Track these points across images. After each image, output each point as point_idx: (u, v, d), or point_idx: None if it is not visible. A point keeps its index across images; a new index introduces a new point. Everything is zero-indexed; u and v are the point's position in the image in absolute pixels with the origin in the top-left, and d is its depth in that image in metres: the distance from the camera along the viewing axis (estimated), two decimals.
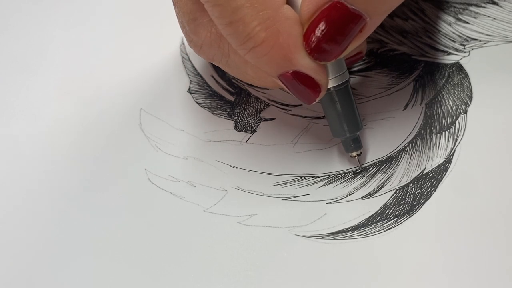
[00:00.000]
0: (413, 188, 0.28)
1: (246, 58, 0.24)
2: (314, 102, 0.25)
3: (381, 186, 0.28)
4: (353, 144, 0.28)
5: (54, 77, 0.33)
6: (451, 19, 0.33)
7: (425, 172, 0.28)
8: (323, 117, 0.30)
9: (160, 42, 0.34)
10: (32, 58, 0.34)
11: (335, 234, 0.27)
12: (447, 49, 0.32)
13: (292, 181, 0.29)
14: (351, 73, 0.32)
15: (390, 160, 0.29)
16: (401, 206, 0.27)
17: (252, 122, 0.31)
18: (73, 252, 0.27)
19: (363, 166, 0.29)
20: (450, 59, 0.32)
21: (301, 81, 0.24)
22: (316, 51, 0.24)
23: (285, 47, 0.23)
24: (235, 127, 0.31)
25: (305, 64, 0.24)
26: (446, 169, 0.28)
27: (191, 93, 0.32)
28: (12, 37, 0.35)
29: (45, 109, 0.32)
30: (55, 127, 0.31)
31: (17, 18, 0.36)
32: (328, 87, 0.25)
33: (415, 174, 0.28)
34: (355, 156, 0.28)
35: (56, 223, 0.28)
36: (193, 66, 0.33)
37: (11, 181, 0.30)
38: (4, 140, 0.31)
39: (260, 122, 0.31)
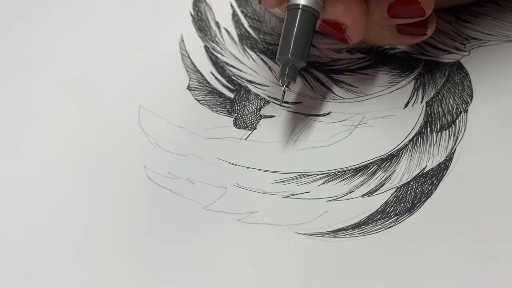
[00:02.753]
0: (414, 186, 0.28)
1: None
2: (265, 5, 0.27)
3: (382, 184, 0.28)
4: (289, 71, 0.27)
5: (54, 77, 0.33)
6: (451, 18, 0.33)
7: (425, 170, 0.28)
8: (323, 115, 0.30)
9: (160, 39, 0.34)
10: (32, 58, 0.34)
11: (335, 232, 0.27)
12: (448, 48, 0.32)
13: (292, 179, 0.28)
14: (351, 71, 0.32)
15: (390, 158, 0.29)
16: (402, 204, 0.27)
17: (252, 119, 0.30)
18: (72, 250, 0.27)
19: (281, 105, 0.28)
20: (451, 58, 0.32)
21: None
22: None
23: None
24: (235, 124, 0.30)
25: None
26: (446, 168, 0.28)
27: (190, 90, 0.32)
28: (12, 37, 0.35)
29: (45, 108, 0.32)
30: (55, 126, 0.31)
31: (17, 18, 0.36)
32: (298, 3, 0.26)
33: (416, 172, 0.28)
34: (283, 86, 0.27)
35: (56, 221, 0.28)
36: (193, 63, 0.33)
37: (11, 180, 0.29)
38: (4, 140, 0.31)
39: (260, 119, 0.30)
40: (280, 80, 0.27)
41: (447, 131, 0.29)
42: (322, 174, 0.29)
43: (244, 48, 0.33)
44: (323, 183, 0.28)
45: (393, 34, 0.29)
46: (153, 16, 0.35)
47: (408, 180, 0.28)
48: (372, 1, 0.28)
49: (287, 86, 0.27)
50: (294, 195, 0.28)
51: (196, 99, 0.32)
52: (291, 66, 0.27)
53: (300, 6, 0.26)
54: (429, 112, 0.30)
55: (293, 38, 0.27)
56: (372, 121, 0.30)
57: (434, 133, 0.29)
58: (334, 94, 0.31)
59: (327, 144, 0.29)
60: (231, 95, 0.32)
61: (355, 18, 0.27)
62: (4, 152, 0.30)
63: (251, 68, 0.32)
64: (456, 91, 0.31)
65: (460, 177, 0.28)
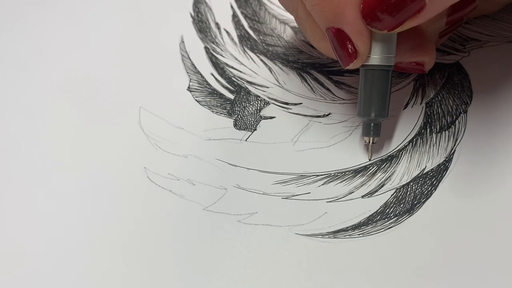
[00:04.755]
0: (414, 187, 0.28)
1: (305, 3, 0.25)
2: (349, 68, 0.26)
3: (382, 185, 0.28)
4: (373, 129, 0.28)
5: (54, 77, 0.33)
6: None
7: (425, 171, 0.28)
8: (323, 116, 0.30)
9: (160, 40, 0.34)
10: (32, 58, 0.34)
11: (335, 233, 0.27)
12: (447, 49, 0.32)
13: (292, 180, 0.28)
14: (351, 72, 0.32)
15: (390, 159, 0.29)
16: (402, 205, 0.27)
17: (252, 120, 0.31)
18: (72, 251, 0.27)
19: (371, 160, 0.29)
20: (450, 59, 0.32)
21: (341, 41, 0.25)
22: (369, 16, 0.24)
23: (337, 1, 0.24)
24: (235, 125, 0.30)
25: (350, 24, 0.24)
26: (446, 168, 0.28)
27: (190, 91, 0.32)
28: (12, 37, 0.35)
29: (45, 108, 0.32)
30: (55, 127, 0.31)
31: (17, 18, 0.36)
32: (371, 63, 0.26)
33: (416, 173, 0.28)
34: (369, 143, 0.28)
35: (55, 222, 0.28)
36: (193, 64, 0.33)
37: (10, 180, 0.29)
38: (4, 140, 0.31)
39: (260, 120, 0.31)
40: (365, 138, 0.28)
41: (446, 132, 0.29)
42: (322, 175, 0.29)
43: (244, 49, 0.33)
44: (323, 184, 0.28)
45: (435, 42, 0.30)
46: (153, 17, 0.35)
47: (407, 181, 0.28)
48: (429, 25, 0.28)
49: (373, 142, 0.28)
50: (294, 196, 0.28)
51: (196, 100, 0.32)
52: (375, 124, 0.28)
53: (376, 67, 0.26)
54: (428, 113, 0.30)
55: (374, 98, 0.27)
56: None
57: (433, 134, 0.29)
58: (334, 95, 0.31)
59: (327, 145, 0.29)
60: (231, 96, 0.32)
61: (430, 53, 0.28)
62: (4, 152, 0.30)
63: (251, 69, 0.32)
64: (456, 92, 0.31)
65: (460, 178, 0.28)
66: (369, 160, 0.29)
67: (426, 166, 0.28)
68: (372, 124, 0.28)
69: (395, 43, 0.26)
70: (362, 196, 0.28)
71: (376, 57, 0.26)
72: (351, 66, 0.26)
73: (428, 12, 0.24)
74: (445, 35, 0.30)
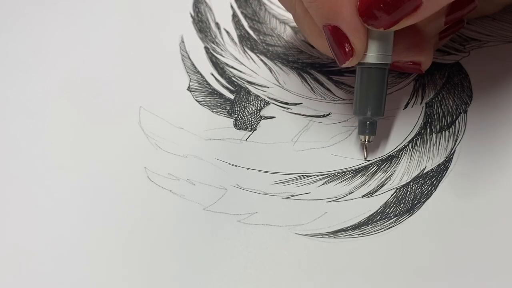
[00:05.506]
0: (414, 187, 0.28)
1: (302, 1, 0.25)
2: (345, 65, 0.26)
3: (382, 185, 0.28)
4: (369, 128, 0.28)
5: (54, 77, 0.33)
6: None
7: (425, 171, 0.28)
8: (323, 116, 0.30)
9: (160, 40, 0.34)
10: (32, 58, 0.34)
11: (335, 233, 0.27)
12: (447, 49, 0.32)
13: (292, 180, 0.28)
14: (351, 72, 0.32)
15: (390, 159, 0.29)
16: (402, 205, 0.27)
17: (252, 120, 0.31)
18: (72, 251, 0.27)
19: (366, 160, 0.29)
20: (450, 59, 0.32)
21: (337, 39, 0.25)
22: (366, 13, 0.24)
23: None
24: (235, 125, 0.30)
25: (347, 21, 0.24)
26: (446, 168, 0.28)
27: (190, 91, 0.32)
28: (12, 37, 0.35)
29: (45, 108, 0.32)
30: (55, 127, 0.31)
31: (17, 18, 0.36)
32: (368, 61, 0.26)
33: (416, 173, 0.28)
34: (364, 141, 0.28)
35: (55, 222, 0.28)
36: (193, 64, 0.33)
37: (10, 180, 0.29)
38: (4, 140, 0.31)
39: (260, 120, 0.31)
40: (361, 137, 0.28)
41: (446, 132, 0.29)
42: (322, 175, 0.29)
43: (244, 49, 0.33)
44: (323, 184, 0.28)
45: (435, 43, 0.30)
46: (153, 17, 0.35)
47: (407, 181, 0.28)
48: (426, 24, 0.28)
49: (368, 141, 0.28)
50: (294, 196, 0.28)
51: (196, 100, 0.32)
52: (371, 123, 0.28)
53: (373, 65, 0.26)
54: (428, 113, 0.30)
55: (370, 97, 0.27)
56: None
57: (433, 134, 0.29)
58: (334, 95, 0.31)
59: (327, 145, 0.29)
60: (231, 96, 0.32)
61: (427, 53, 0.28)
62: (4, 152, 0.30)
63: (251, 69, 0.32)
64: (456, 92, 0.31)
65: (460, 178, 0.28)
66: (365, 159, 0.29)
67: (426, 166, 0.28)
68: (368, 122, 0.28)
69: (392, 41, 0.26)
70: (362, 196, 0.28)
71: (372, 55, 0.26)
72: (347, 64, 0.26)
73: (424, 11, 0.24)
74: (445, 37, 0.30)
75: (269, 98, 0.31)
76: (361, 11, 0.24)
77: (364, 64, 0.26)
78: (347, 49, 0.25)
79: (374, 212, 0.27)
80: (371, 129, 0.28)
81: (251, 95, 0.32)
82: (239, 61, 0.33)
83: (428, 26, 0.28)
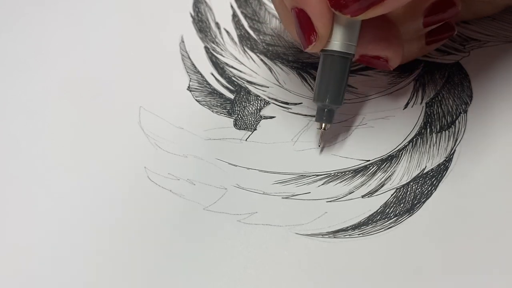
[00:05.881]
0: (414, 187, 0.28)
1: None
2: (308, 50, 0.26)
3: (382, 185, 0.28)
4: (326, 116, 0.28)
5: (54, 77, 0.33)
6: None
7: (425, 171, 0.28)
8: None
9: (160, 40, 0.34)
10: (32, 58, 0.34)
11: (335, 233, 0.27)
12: (447, 49, 0.32)
13: (292, 180, 0.28)
14: (352, 72, 0.32)
15: (390, 159, 0.29)
16: (402, 205, 0.27)
17: (252, 120, 0.31)
18: (72, 251, 0.27)
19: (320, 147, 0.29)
20: (450, 59, 0.32)
21: (302, 22, 0.25)
22: None
23: None
24: (235, 125, 0.30)
25: (313, 5, 0.24)
26: (446, 168, 0.28)
27: (190, 91, 0.32)
28: (12, 37, 0.35)
29: (45, 108, 0.32)
30: (55, 127, 0.31)
31: (17, 18, 0.36)
32: (331, 48, 0.26)
33: (416, 173, 0.28)
34: (320, 128, 0.28)
35: (55, 222, 0.28)
36: (193, 64, 0.33)
37: (10, 180, 0.29)
38: (4, 140, 0.31)
39: (260, 120, 0.31)
40: (318, 124, 0.28)
41: (446, 132, 0.29)
42: (322, 175, 0.29)
43: (244, 49, 0.33)
44: (323, 184, 0.28)
45: (420, 47, 0.30)
46: (153, 17, 0.35)
47: (407, 181, 0.28)
48: (403, 23, 0.28)
49: (324, 129, 0.28)
50: (294, 195, 0.28)
51: (196, 100, 0.32)
52: (329, 110, 0.28)
53: (336, 53, 0.26)
54: (428, 113, 0.30)
55: (330, 85, 0.27)
56: (372, 122, 0.30)
57: (433, 134, 0.29)
58: None
59: (327, 145, 0.29)
60: (231, 96, 0.32)
61: (395, 49, 0.27)
62: (4, 152, 0.30)
63: (251, 69, 0.32)
64: (456, 92, 0.31)
65: (460, 178, 0.28)
66: (318, 146, 0.29)
67: (426, 166, 0.28)
68: (325, 110, 0.28)
69: (358, 31, 0.26)
70: (362, 196, 0.28)
71: (336, 43, 0.26)
72: (310, 49, 0.26)
73: (392, 1, 0.24)
74: (432, 43, 0.30)
75: (269, 98, 0.31)
76: None
77: (327, 51, 0.26)
78: (311, 34, 0.25)
79: (374, 212, 0.27)
80: (328, 117, 0.28)
81: (251, 95, 0.32)
82: (239, 61, 0.33)
83: (405, 26, 0.28)
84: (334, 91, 0.27)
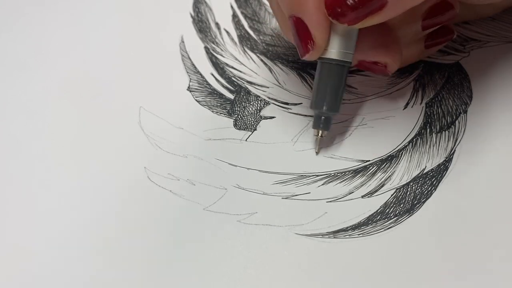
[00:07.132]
0: (414, 187, 0.28)
1: None
2: (306, 58, 0.26)
3: (382, 185, 0.28)
4: (323, 123, 0.28)
5: (54, 77, 0.33)
6: None
7: (425, 171, 0.28)
8: None
9: (160, 40, 0.34)
10: (32, 58, 0.34)
11: (335, 233, 0.27)
12: (447, 49, 0.32)
13: (292, 180, 0.28)
14: (352, 72, 0.32)
15: (390, 159, 0.29)
16: (402, 205, 0.27)
17: (252, 120, 0.31)
18: (71, 251, 0.27)
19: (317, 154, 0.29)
20: (450, 59, 0.32)
21: (300, 31, 0.25)
22: (331, 7, 0.24)
23: None
24: (235, 125, 0.30)
25: (310, 14, 0.24)
26: (446, 168, 0.28)
27: (190, 91, 0.32)
28: (12, 37, 0.35)
29: (45, 108, 0.32)
30: (55, 127, 0.31)
31: (17, 18, 0.36)
32: (328, 57, 0.26)
33: (416, 173, 0.28)
34: (317, 135, 0.28)
35: (55, 222, 0.28)
36: (193, 64, 0.33)
37: (10, 180, 0.29)
38: (4, 140, 0.31)
39: (260, 120, 0.31)
40: (314, 130, 0.28)
41: (446, 132, 0.29)
42: (322, 175, 0.29)
43: (244, 49, 0.33)
44: (323, 184, 0.28)
45: (419, 50, 0.30)
46: (153, 17, 0.35)
47: (407, 181, 0.28)
48: (401, 26, 0.28)
49: (321, 136, 0.28)
50: (294, 196, 0.28)
51: (196, 100, 0.32)
52: (326, 118, 0.28)
53: (333, 61, 0.26)
54: (428, 113, 0.30)
55: (327, 92, 0.27)
56: (372, 122, 0.30)
57: (433, 134, 0.29)
58: None
59: (327, 145, 0.29)
60: (231, 96, 0.32)
61: (393, 54, 0.27)
62: (4, 152, 0.30)
63: (251, 69, 0.32)
64: (456, 92, 0.31)
65: (460, 178, 0.28)
66: (316, 153, 0.29)
67: (426, 166, 0.28)
68: (322, 117, 0.28)
69: (355, 40, 0.26)
70: (362, 196, 0.28)
71: (333, 51, 0.26)
72: (308, 57, 0.26)
73: (389, 11, 0.24)
74: (431, 46, 0.30)
75: (269, 98, 0.31)
76: (327, 4, 0.24)
77: (324, 59, 0.26)
78: (308, 42, 0.25)
79: (374, 212, 0.27)
80: (325, 124, 0.28)
81: (251, 95, 0.32)
82: (239, 61, 0.33)
83: (403, 29, 0.28)
84: (331, 98, 0.27)
